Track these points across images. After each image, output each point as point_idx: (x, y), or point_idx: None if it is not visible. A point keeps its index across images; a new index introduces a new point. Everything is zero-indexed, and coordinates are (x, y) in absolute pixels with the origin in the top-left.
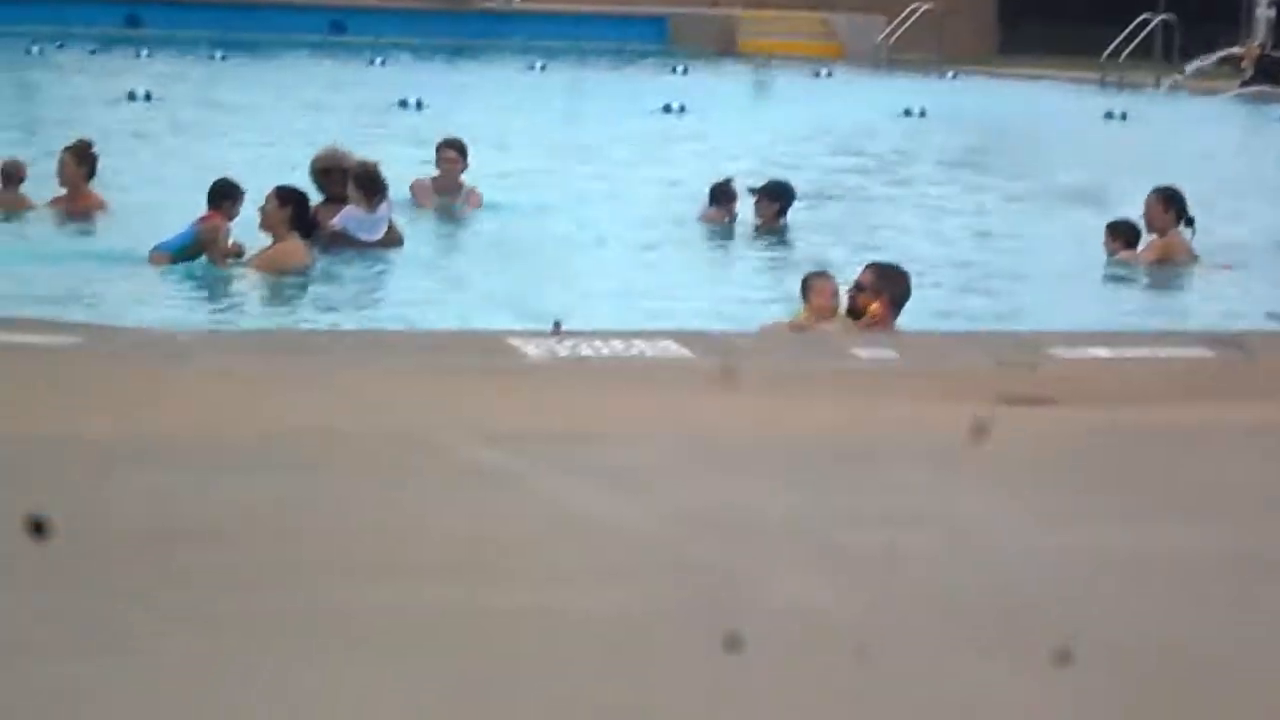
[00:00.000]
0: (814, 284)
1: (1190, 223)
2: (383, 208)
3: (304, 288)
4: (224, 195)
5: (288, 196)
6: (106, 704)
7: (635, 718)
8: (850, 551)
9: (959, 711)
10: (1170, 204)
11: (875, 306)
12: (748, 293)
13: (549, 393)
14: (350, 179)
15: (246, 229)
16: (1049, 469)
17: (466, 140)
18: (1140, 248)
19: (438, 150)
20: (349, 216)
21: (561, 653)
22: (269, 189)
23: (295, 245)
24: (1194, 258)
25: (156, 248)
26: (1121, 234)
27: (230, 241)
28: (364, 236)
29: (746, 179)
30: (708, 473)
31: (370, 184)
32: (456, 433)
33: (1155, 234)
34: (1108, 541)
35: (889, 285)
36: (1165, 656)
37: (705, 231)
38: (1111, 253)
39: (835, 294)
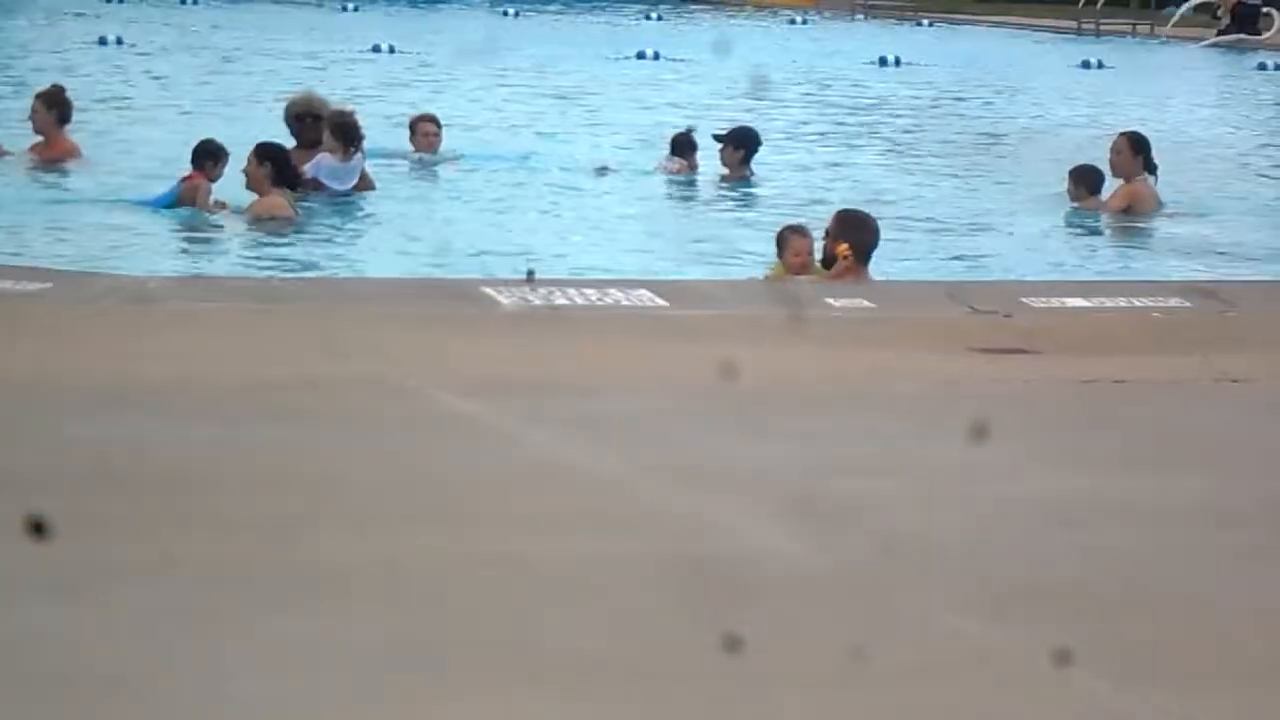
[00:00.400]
0: (789, 240)
1: (1153, 170)
2: (356, 156)
3: (278, 236)
4: (207, 155)
5: (264, 153)
6: (76, 648)
7: (608, 664)
8: (824, 500)
9: (941, 654)
10: (1138, 149)
11: (842, 248)
12: (720, 244)
13: (523, 341)
14: (327, 127)
15: (232, 187)
16: (1025, 418)
17: (437, 85)
18: (1106, 194)
19: (414, 124)
20: (322, 165)
21: (536, 598)
22: (249, 147)
23: (277, 201)
24: (1159, 205)
25: (138, 203)
26: (1085, 180)
27: (212, 200)
28: (337, 185)
29: (716, 127)
30: (681, 422)
31: (347, 133)
32: (430, 381)
33: (1121, 180)
34: (1085, 490)
35: (854, 231)
36: (1137, 601)
37: (671, 182)
38: (1075, 199)
39: (810, 250)
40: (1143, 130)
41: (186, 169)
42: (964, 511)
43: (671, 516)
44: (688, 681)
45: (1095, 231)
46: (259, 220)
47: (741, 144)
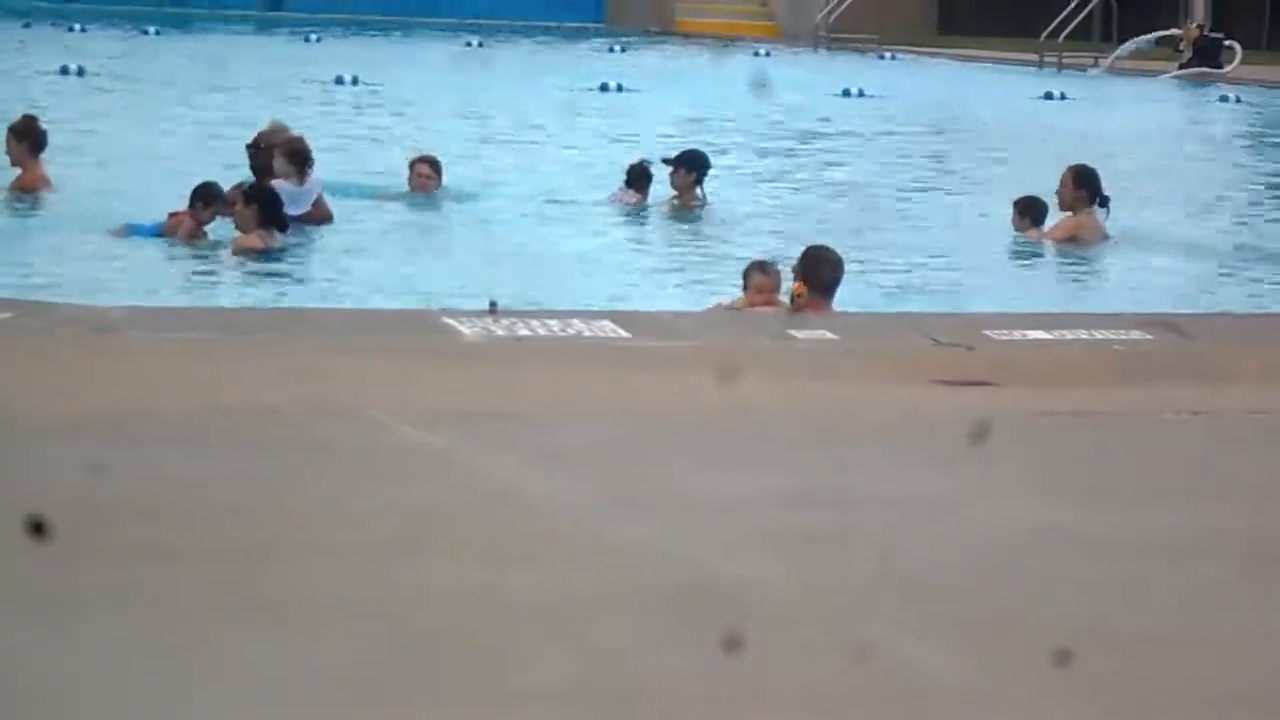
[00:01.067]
0: (753, 276)
1: (1104, 202)
2: (310, 181)
3: (241, 267)
4: (199, 196)
5: (251, 195)
6: (43, 675)
7: (575, 695)
8: (789, 531)
9: (907, 684)
10: (1083, 182)
11: (796, 286)
12: (680, 273)
13: (486, 372)
14: (278, 153)
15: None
16: (988, 450)
17: (401, 116)
18: (1050, 226)
19: (411, 165)
20: (277, 190)
21: (501, 630)
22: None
23: (253, 240)
24: (1105, 237)
25: (126, 227)
26: (1029, 211)
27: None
28: (292, 210)
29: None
30: (645, 453)
31: (299, 158)
32: (393, 411)
33: (1068, 212)
34: (1049, 520)
35: (812, 267)
36: (1102, 634)
37: (628, 212)
38: (1019, 229)
39: (775, 287)
40: (1094, 162)
41: (171, 203)
42: (930, 543)
43: (636, 548)
44: (657, 713)
45: (1053, 264)
46: (234, 255)
47: (693, 167)
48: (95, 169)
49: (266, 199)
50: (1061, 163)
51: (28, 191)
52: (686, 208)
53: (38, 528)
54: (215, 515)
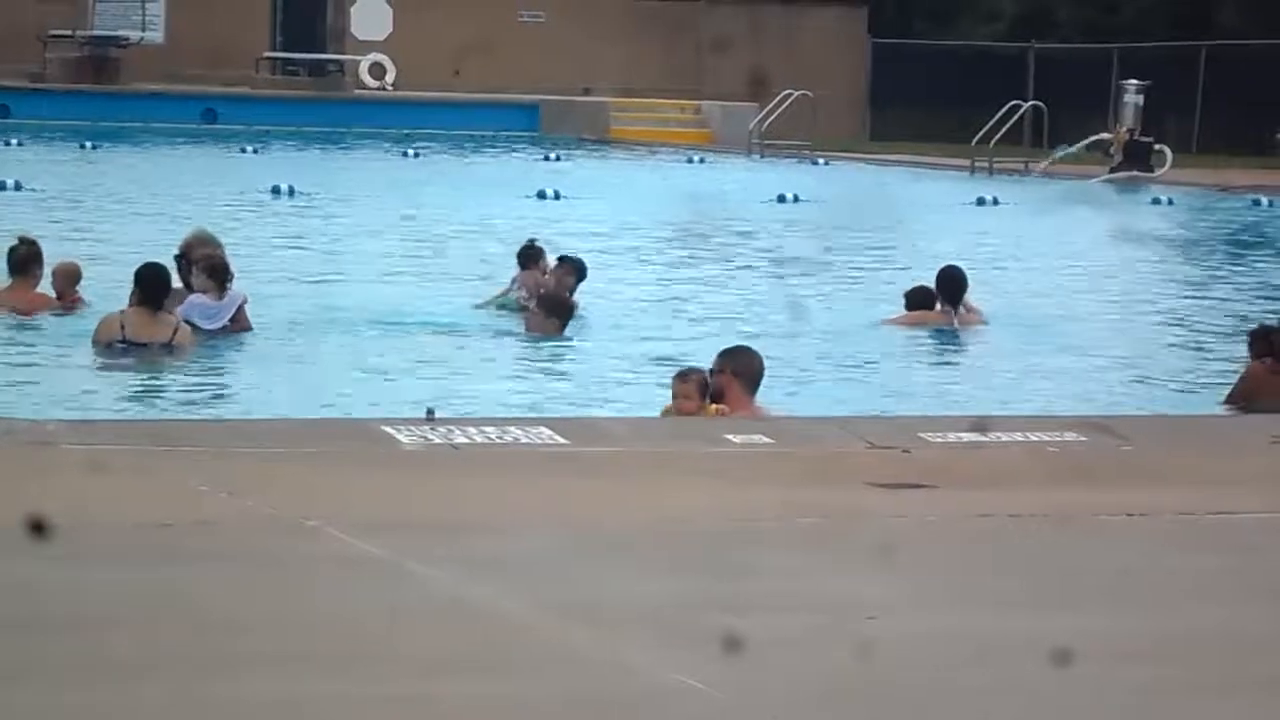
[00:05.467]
0: (675, 386)
1: (954, 302)
2: (230, 295)
3: (163, 374)
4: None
5: (136, 275)
6: None
7: None
8: (726, 637)
9: None
10: (939, 284)
11: (717, 380)
12: (608, 383)
13: (423, 480)
14: (197, 269)
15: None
16: (925, 553)
17: (338, 226)
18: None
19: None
20: (194, 305)
21: None
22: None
23: (111, 318)
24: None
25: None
26: (912, 295)
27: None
28: (209, 324)
29: (611, 259)
30: (583, 561)
31: (218, 273)
32: (330, 520)
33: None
34: (986, 625)
35: (735, 364)
36: None
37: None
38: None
39: (699, 391)
40: (1025, 264)
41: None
42: (866, 647)
43: (574, 656)
44: None
45: (986, 367)
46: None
47: (578, 274)
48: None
49: (144, 277)
50: (992, 265)
51: None
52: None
53: (38, 527)
54: (151, 628)
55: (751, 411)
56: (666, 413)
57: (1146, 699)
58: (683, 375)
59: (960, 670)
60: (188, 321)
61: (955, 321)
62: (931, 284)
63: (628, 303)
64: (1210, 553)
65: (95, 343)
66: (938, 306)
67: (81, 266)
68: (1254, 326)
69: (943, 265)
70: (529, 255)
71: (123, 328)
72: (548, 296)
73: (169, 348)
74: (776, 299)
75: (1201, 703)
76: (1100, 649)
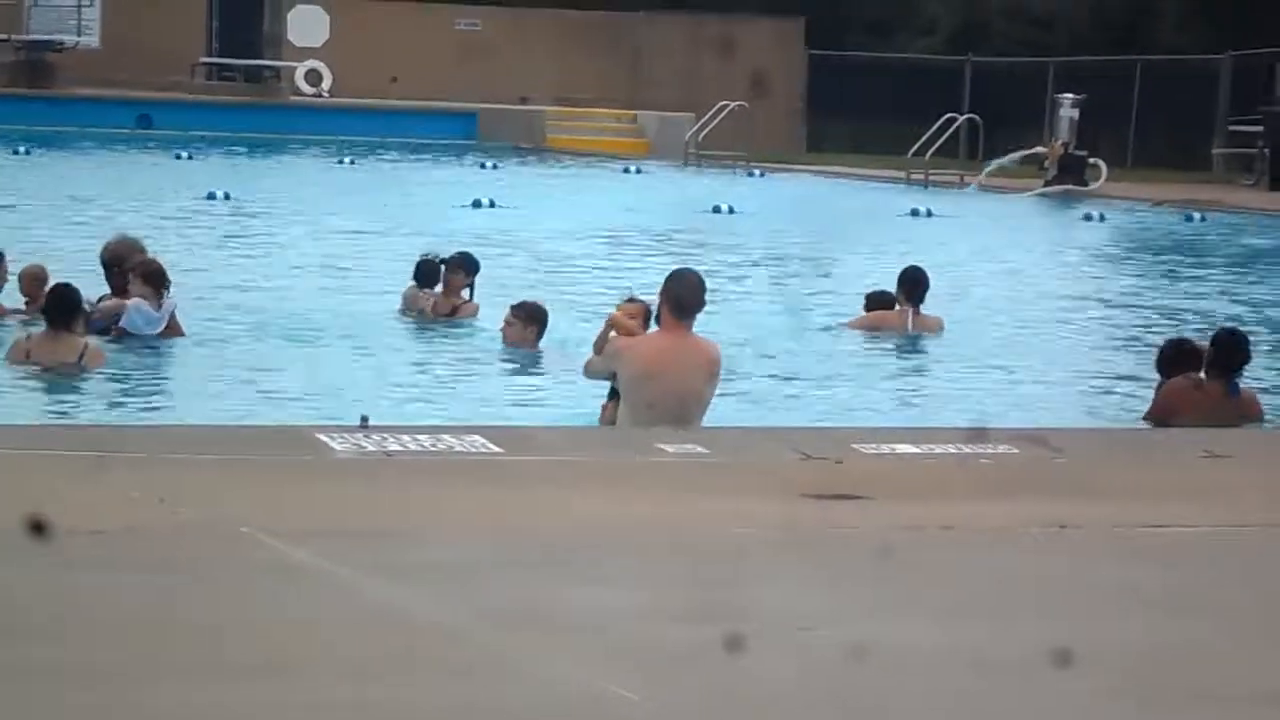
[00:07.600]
0: (624, 307)
1: (915, 301)
2: (167, 302)
3: (95, 382)
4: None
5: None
6: None
7: None
8: (658, 647)
9: None
10: (903, 283)
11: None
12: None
13: (357, 488)
14: (134, 276)
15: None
16: (857, 564)
17: (274, 232)
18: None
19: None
20: (135, 311)
21: None
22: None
23: (17, 342)
24: (906, 330)
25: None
26: (872, 298)
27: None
28: (149, 330)
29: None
30: (516, 569)
31: (156, 279)
32: (263, 527)
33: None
34: (917, 636)
35: (668, 283)
36: None
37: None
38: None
39: (644, 322)
40: (958, 275)
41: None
42: (798, 658)
43: (506, 664)
44: None
45: (920, 379)
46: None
47: (469, 269)
48: None
49: (49, 302)
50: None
51: None
52: (454, 310)
53: (38, 527)
54: (85, 635)
55: (679, 335)
56: (607, 325)
57: (1072, 710)
58: (632, 299)
59: (889, 680)
60: (129, 329)
61: (911, 323)
62: (885, 287)
63: (563, 310)
64: (1141, 565)
65: (4, 365)
66: (897, 307)
67: (47, 268)
68: (1162, 343)
69: (905, 265)
70: (429, 272)
71: (28, 354)
72: (525, 305)
73: (79, 368)
74: (713, 308)
75: (1126, 714)
76: (1029, 659)
